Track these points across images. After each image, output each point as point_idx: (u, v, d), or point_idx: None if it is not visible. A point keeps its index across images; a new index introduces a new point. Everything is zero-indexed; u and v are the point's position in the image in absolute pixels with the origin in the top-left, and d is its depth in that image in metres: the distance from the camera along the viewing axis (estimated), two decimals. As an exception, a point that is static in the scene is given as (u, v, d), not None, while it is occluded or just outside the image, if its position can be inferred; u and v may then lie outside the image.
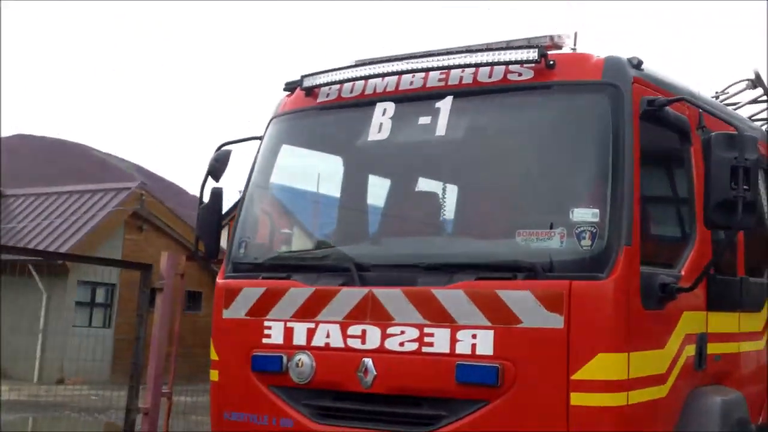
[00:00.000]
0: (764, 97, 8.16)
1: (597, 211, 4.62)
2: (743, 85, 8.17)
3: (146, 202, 27.22)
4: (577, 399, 4.42)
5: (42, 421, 16.04)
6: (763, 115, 8.28)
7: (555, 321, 4.49)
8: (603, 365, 4.44)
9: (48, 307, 24.89)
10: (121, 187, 27.98)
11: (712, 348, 5.42)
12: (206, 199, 6.05)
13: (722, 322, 5.61)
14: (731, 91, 8.23)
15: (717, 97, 8.10)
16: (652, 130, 4.97)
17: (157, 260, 7.91)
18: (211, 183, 6.11)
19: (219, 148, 6.10)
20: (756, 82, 8.06)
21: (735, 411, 5.38)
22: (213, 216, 6.05)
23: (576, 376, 4.43)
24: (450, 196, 5.72)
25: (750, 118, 8.02)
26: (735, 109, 7.75)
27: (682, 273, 5.05)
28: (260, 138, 6.09)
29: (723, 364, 5.62)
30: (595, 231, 4.58)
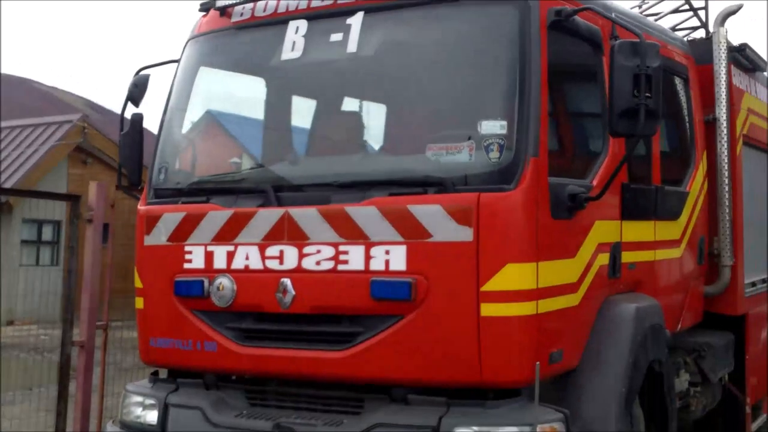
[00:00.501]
0: (686, 7, 8.20)
1: (504, 123, 4.63)
2: (665, -6, 8.21)
3: (89, 135, 26.76)
4: (487, 309, 4.49)
5: (-10, 362, 15.95)
6: (686, 25, 8.35)
7: (465, 234, 4.53)
8: (511, 275, 4.50)
9: (-7, 245, 24.57)
10: (63, 120, 27.44)
11: (627, 256, 5.50)
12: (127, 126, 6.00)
13: (637, 230, 5.69)
14: (652, 1, 8.26)
15: (639, 7, 8.13)
16: (563, 41, 4.96)
17: (100, 193, 7.85)
18: (132, 109, 6.05)
19: (137, 72, 6.02)
20: (676, -10, 8.09)
21: (649, 317, 5.49)
22: (134, 143, 5.99)
23: (485, 288, 4.49)
24: (365, 114, 5.72)
25: (673, 28, 8.08)
26: (657, 20, 7.80)
27: (594, 183, 5.10)
28: (177, 61, 6.02)
29: (638, 272, 5.72)
30: (502, 143, 4.59)
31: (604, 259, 5.23)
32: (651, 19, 7.57)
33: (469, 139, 4.70)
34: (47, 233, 26.34)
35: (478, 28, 5.03)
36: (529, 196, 4.57)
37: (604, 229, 5.25)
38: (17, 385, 12.31)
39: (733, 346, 7.19)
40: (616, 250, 5.38)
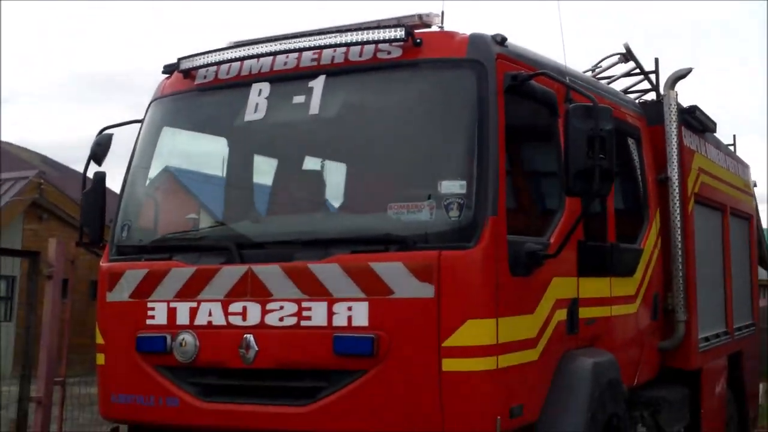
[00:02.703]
0: (637, 70, 8.46)
1: (464, 183, 4.76)
2: (616, 59, 8.47)
3: (45, 191, 26.62)
4: (448, 365, 4.57)
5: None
6: (638, 87, 8.61)
7: (426, 290, 4.63)
8: (472, 331, 4.60)
9: (-54, 302, 24.22)
10: (19, 177, 27.26)
11: (584, 312, 5.64)
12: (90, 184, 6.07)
13: (593, 287, 5.84)
14: (605, 65, 8.53)
15: (593, 71, 8.38)
16: (519, 104, 5.13)
17: (56, 249, 7.85)
18: (94, 168, 6.13)
19: (100, 132, 6.10)
20: (627, 55, 8.36)
21: (606, 372, 5.59)
22: (96, 201, 6.06)
23: (447, 343, 4.58)
24: (327, 174, 5.84)
25: (625, 90, 8.33)
26: (609, 83, 8.05)
27: (551, 241, 5.23)
28: (141, 121, 6.10)
29: (596, 327, 5.84)
30: (462, 202, 4.72)
31: (562, 314, 5.35)
32: (604, 82, 7.80)
33: (429, 198, 4.82)
34: (1, 288, 26.00)
35: (437, 90, 5.19)
36: (489, 254, 4.68)
37: (562, 286, 5.38)
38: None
39: (688, 400, 7.30)
40: (573, 306, 5.50)
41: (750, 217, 10.02)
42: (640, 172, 6.90)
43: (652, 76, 8.39)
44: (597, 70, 8.45)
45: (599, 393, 5.36)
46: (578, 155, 4.74)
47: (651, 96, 8.34)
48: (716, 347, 7.92)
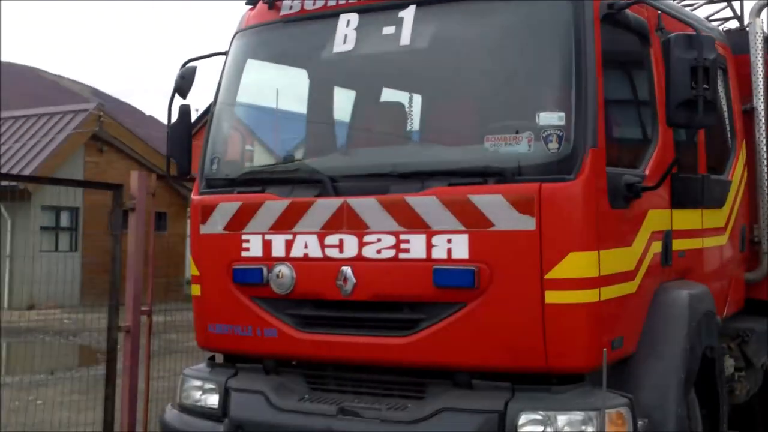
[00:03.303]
0: (721, -3, 8.27)
1: (563, 114, 4.72)
2: (699, -15, 8.27)
3: (104, 124, 26.94)
4: (551, 297, 4.60)
5: (16, 346, 16.16)
6: (720, 15, 8.41)
7: (527, 223, 4.63)
8: (575, 264, 4.61)
9: (13, 233, 24.81)
10: (78, 109, 27.60)
11: (677, 244, 5.62)
12: (174, 117, 6.09)
13: (686, 218, 5.80)
14: (688, -9, 8.32)
15: (675, -2, 8.18)
16: (613, 33, 5.06)
17: (120, 181, 7.98)
18: (178, 100, 6.15)
19: (184, 64, 6.10)
20: (711, -18, 8.16)
21: (702, 304, 5.60)
22: (183, 133, 6.09)
23: (549, 275, 4.60)
24: (418, 106, 5.81)
25: (707, 18, 8.15)
26: (692, 10, 7.86)
27: (647, 173, 5.21)
28: (225, 54, 6.11)
29: (688, 259, 5.83)
30: (561, 134, 4.69)
31: (657, 247, 5.35)
32: (687, 9, 7.63)
33: (520, 131, 4.79)
34: (65, 219, 26.54)
35: (532, 20, 5.11)
36: (590, 186, 4.67)
37: (657, 218, 5.36)
38: (42, 368, 12.44)
39: None
40: (667, 238, 5.48)
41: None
42: (726, 103, 6.78)
43: (735, 4, 8.20)
44: (679, -3, 8.24)
45: (696, 324, 5.37)
46: (681, 86, 4.67)
47: (732, 24, 8.16)
48: None
